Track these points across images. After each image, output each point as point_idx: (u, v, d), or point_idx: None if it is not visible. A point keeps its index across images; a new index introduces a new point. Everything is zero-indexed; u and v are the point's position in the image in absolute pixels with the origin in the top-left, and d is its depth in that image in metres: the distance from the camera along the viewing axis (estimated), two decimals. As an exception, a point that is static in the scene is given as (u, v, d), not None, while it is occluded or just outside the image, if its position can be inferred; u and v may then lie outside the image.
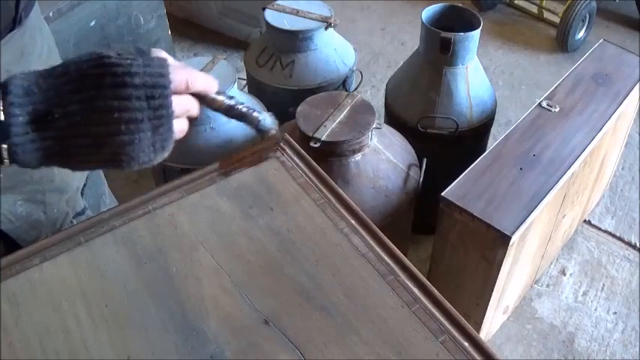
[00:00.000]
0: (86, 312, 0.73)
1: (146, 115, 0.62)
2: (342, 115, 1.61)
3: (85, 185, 1.17)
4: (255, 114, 0.79)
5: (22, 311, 0.74)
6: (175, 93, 0.66)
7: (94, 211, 1.21)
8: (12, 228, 1.00)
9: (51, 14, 2.03)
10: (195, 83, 0.69)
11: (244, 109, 0.78)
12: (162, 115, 0.63)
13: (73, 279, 0.77)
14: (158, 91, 0.63)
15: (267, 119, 0.80)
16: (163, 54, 0.67)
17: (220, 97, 0.75)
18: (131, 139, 0.62)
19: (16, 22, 0.90)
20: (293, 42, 1.97)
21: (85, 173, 1.17)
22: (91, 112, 0.61)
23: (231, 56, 3.02)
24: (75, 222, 1.11)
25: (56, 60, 1.05)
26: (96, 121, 0.61)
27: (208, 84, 0.72)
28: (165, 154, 0.67)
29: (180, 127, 0.68)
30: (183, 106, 0.68)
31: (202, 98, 0.73)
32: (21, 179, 1.00)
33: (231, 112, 0.77)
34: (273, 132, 0.80)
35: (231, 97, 0.77)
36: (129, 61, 0.61)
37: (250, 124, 0.79)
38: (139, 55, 0.63)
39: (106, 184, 1.37)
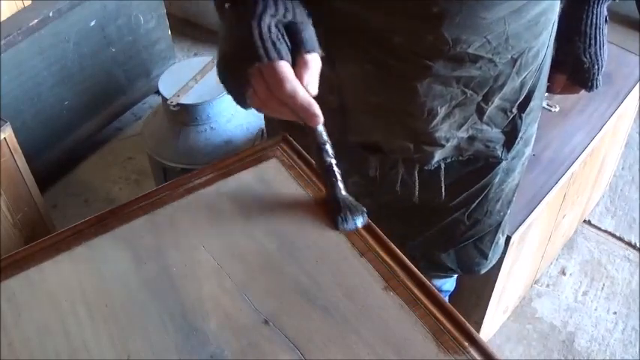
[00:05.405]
0: (86, 312, 0.73)
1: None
2: (342, 115, 1.60)
3: None
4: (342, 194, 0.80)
5: (22, 311, 0.74)
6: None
7: None
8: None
9: (51, 14, 2.03)
10: (276, 90, 0.70)
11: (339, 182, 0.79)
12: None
13: (73, 279, 0.77)
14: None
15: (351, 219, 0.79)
16: (311, 64, 0.71)
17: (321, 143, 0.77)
18: None
19: None
20: (293, 42, 1.96)
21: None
22: None
23: (231, 56, 3.01)
24: None
25: None
26: None
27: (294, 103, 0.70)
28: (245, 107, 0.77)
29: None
30: (260, 95, 0.72)
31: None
32: None
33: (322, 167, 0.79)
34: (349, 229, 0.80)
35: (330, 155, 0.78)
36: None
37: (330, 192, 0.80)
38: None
39: None
